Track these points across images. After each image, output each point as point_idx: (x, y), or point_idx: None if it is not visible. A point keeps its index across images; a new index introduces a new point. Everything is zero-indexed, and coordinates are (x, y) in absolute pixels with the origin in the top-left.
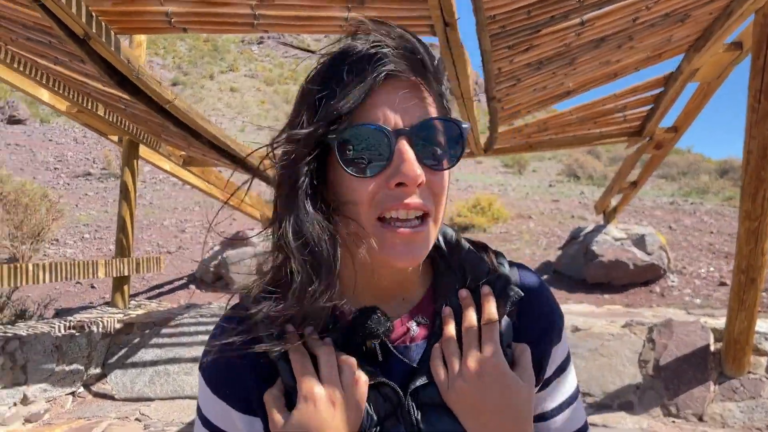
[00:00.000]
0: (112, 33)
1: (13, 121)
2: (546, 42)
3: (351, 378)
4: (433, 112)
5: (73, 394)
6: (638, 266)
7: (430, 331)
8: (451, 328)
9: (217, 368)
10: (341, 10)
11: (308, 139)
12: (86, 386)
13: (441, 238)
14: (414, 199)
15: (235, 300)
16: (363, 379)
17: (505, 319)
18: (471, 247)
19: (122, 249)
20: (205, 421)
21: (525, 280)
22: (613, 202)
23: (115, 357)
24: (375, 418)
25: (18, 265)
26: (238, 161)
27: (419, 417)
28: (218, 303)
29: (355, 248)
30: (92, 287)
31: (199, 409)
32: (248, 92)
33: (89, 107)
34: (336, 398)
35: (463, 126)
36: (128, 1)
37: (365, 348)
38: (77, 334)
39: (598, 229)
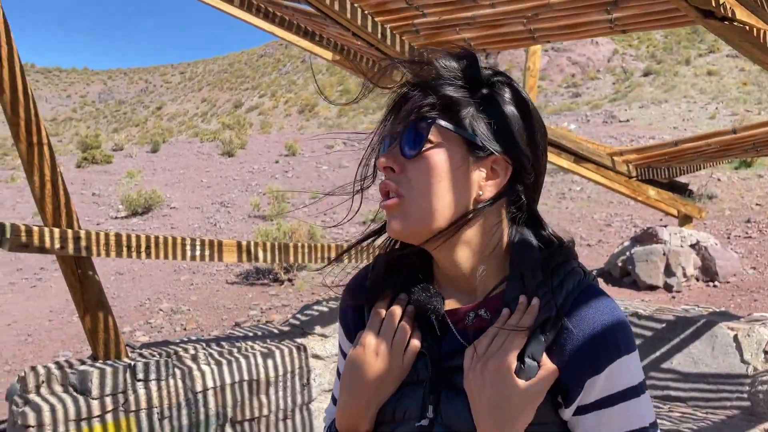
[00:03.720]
0: None
1: None
2: None
3: (401, 338)
4: (424, 112)
5: None
6: None
7: (486, 326)
8: (495, 328)
9: (342, 306)
10: (600, 13)
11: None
12: None
13: (518, 247)
14: (387, 181)
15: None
16: (414, 343)
17: (540, 335)
18: (539, 259)
19: None
20: (339, 339)
21: (578, 307)
22: None
23: None
24: (415, 378)
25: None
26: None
27: (441, 391)
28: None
29: None
30: None
31: None
32: (728, 74)
33: None
34: (381, 350)
35: (428, 121)
36: (434, 35)
37: (431, 323)
38: None
39: None
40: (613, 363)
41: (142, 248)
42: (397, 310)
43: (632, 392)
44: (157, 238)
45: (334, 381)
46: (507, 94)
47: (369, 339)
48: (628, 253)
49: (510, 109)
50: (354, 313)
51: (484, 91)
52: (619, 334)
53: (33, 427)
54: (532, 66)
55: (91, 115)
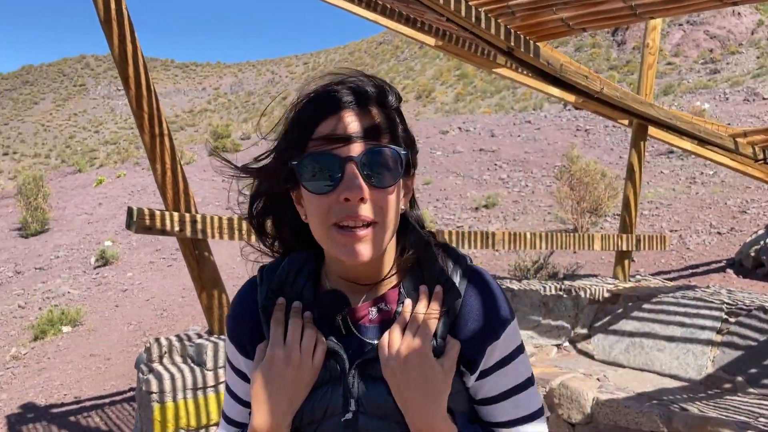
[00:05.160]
0: (531, 42)
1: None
2: None
3: (309, 344)
4: (382, 137)
5: (558, 346)
6: None
7: (389, 318)
8: (403, 317)
9: (231, 320)
10: None
11: (276, 165)
12: (572, 342)
13: (413, 242)
14: (362, 211)
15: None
16: (321, 347)
17: (446, 315)
18: (434, 250)
19: (624, 226)
20: (227, 356)
21: (472, 286)
22: None
23: (600, 322)
24: (327, 377)
25: (517, 232)
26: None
27: (358, 384)
28: (752, 293)
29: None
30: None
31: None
32: None
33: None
34: (292, 359)
35: (402, 152)
36: (530, 16)
37: (335, 324)
38: (564, 296)
39: None
40: (506, 328)
41: (252, 231)
42: (298, 317)
43: (520, 350)
44: None
45: (224, 398)
46: (402, 112)
47: (276, 350)
48: (762, 243)
49: (407, 123)
50: (248, 328)
51: (396, 111)
52: (505, 304)
53: (155, 393)
54: (652, 43)
55: (223, 106)
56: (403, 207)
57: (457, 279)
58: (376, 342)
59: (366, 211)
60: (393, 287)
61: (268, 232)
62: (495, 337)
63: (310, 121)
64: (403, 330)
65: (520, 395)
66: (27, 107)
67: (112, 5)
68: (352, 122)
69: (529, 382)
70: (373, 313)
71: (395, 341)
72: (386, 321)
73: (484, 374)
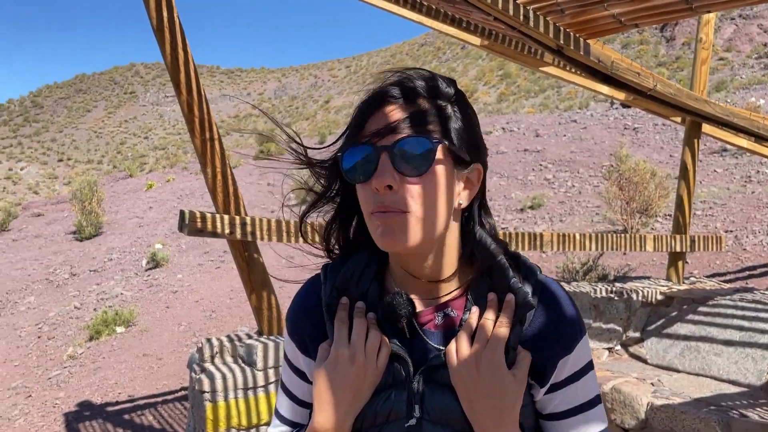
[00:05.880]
0: (581, 40)
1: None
2: None
3: (373, 345)
4: (423, 127)
5: (609, 350)
6: None
7: (455, 324)
8: (471, 324)
9: (293, 317)
10: None
11: (330, 159)
12: (624, 346)
13: (482, 247)
14: (389, 200)
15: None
16: (385, 349)
17: (517, 326)
18: (503, 258)
19: (678, 226)
20: (285, 354)
21: (544, 297)
22: None
23: (653, 325)
24: (390, 381)
25: (566, 233)
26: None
27: (422, 389)
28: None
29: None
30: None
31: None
32: None
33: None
34: (356, 359)
35: (434, 141)
36: (580, 13)
37: (399, 326)
38: (616, 298)
39: None
40: (579, 342)
41: (300, 233)
42: (362, 317)
43: (590, 366)
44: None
45: (278, 396)
46: (467, 105)
47: (341, 350)
48: None
49: (474, 119)
50: (310, 326)
51: (455, 103)
52: (578, 317)
53: (207, 392)
54: (705, 38)
55: (268, 110)
56: (461, 202)
57: (529, 290)
58: (441, 348)
59: (393, 200)
60: (461, 295)
61: (316, 230)
62: (567, 351)
63: (359, 118)
64: (472, 338)
65: (589, 412)
66: (80, 115)
67: (165, 14)
68: (391, 115)
69: (598, 398)
70: (439, 318)
71: (464, 349)
72: (452, 327)
73: (554, 388)
